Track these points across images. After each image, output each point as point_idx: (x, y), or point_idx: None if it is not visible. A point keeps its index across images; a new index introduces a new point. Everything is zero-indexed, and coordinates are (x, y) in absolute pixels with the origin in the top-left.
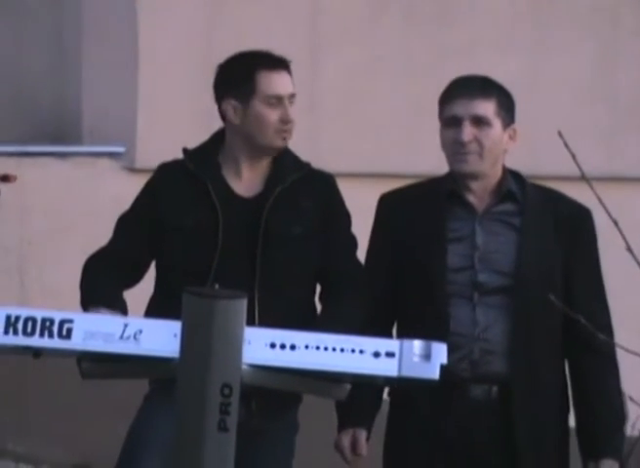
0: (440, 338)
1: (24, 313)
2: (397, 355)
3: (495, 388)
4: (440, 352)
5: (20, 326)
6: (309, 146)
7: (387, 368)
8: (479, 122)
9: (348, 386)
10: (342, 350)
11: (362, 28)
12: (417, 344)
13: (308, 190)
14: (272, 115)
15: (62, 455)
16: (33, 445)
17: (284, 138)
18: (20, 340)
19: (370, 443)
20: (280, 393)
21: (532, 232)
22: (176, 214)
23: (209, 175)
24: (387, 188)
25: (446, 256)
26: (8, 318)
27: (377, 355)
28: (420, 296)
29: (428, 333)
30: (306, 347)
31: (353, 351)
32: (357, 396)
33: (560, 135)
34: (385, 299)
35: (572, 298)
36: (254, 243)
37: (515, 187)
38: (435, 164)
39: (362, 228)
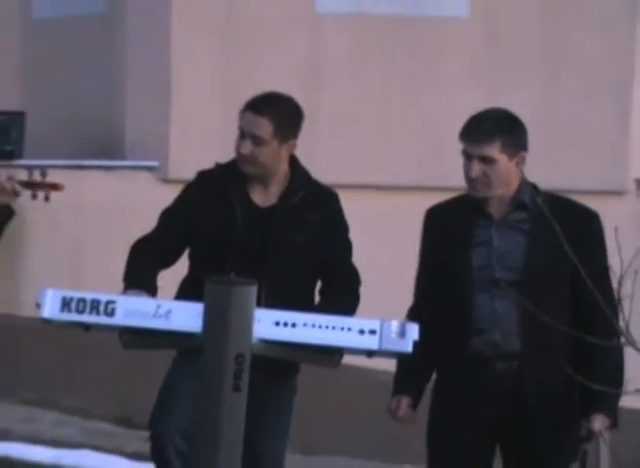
0: (466, 326)
1: (77, 295)
2: (378, 332)
3: (515, 363)
4: (413, 330)
5: (73, 305)
6: (310, 162)
7: (370, 342)
8: (486, 160)
9: (339, 356)
10: (334, 328)
11: (353, 68)
12: (394, 324)
13: (315, 205)
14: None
15: (106, 409)
16: (81, 400)
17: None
18: (74, 317)
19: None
20: (282, 364)
21: (539, 236)
22: (203, 215)
23: (231, 185)
24: (374, 198)
25: (471, 258)
26: (63, 299)
27: (361, 332)
28: (451, 292)
29: (458, 322)
30: (305, 325)
31: (342, 329)
32: (403, 371)
33: None
34: (429, 297)
35: (580, 290)
36: (264, 245)
37: (528, 198)
38: (414, 177)
39: (356, 232)
